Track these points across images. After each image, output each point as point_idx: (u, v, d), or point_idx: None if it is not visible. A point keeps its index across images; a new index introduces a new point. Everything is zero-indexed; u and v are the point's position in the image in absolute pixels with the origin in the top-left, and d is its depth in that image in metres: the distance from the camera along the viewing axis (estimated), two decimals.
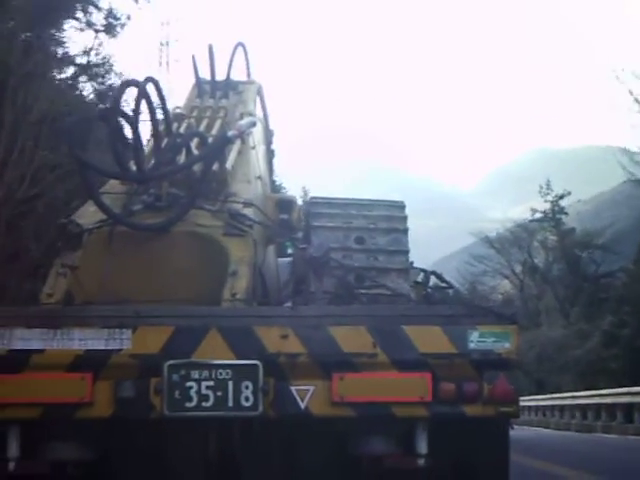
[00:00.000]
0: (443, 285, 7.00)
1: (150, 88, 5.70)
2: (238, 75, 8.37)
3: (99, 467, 4.66)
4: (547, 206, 58.11)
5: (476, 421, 4.57)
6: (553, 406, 35.44)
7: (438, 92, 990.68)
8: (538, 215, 59.06)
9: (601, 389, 28.93)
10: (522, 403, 34.34)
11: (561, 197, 58.12)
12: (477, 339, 4.52)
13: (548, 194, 58.21)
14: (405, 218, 6.62)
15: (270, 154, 8.89)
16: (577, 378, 41.28)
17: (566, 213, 58.03)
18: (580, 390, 31.88)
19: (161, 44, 26.94)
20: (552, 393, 37.76)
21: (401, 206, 6.75)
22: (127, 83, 5.56)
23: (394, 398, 4.47)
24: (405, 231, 6.50)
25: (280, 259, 7.74)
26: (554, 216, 57.45)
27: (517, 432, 18.57)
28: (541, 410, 37.42)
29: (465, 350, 4.50)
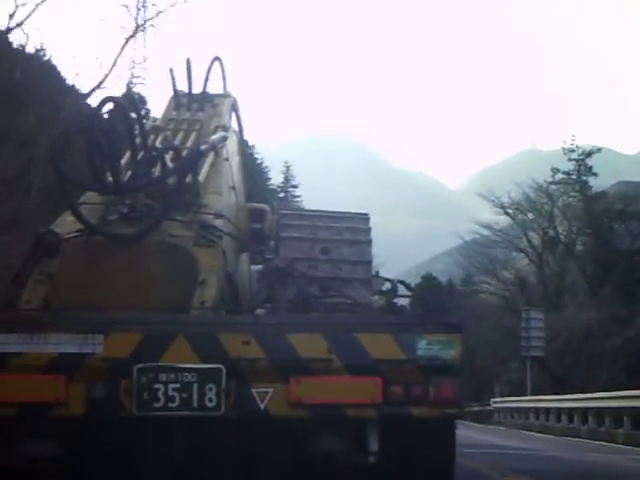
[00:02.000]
0: (409, 294, 7.33)
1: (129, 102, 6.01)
2: (215, 88, 8.70)
3: (70, 463, 4.98)
4: (571, 166, 46.98)
5: (423, 421, 4.94)
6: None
7: (432, 90, 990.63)
8: (560, 176, 46.97)
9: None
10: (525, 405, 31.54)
11: (589, 154, 47.20)
12: (425, 346, 4.88)
13: (573, 150, 47.28)
14: (369, 230, 6.96)
15: (245, 163, 9.19)
16: (617, 374, 33.98)
17: (595, 174, 46.74)
18: (620, 389, 23.32)
19: (137, 8, 27.16)
20: (581, 392, 27.79)
21: (365, 218, 7.09)
22: (106, 99, 5.87)
23: (347, 400, 4.83)
24: (368, 242, 6.83)
25: (254, 266, 8.04)
26: (579, 177, 46.49)
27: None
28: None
29: (413, 356, 4.87)
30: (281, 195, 63.54)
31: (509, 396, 38.22)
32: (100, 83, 22.55)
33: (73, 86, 29.41)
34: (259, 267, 7.81)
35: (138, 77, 42.06)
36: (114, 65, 23.50)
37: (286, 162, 69.78)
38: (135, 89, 40.75)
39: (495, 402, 39.39)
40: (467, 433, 22.41)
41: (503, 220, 47.73)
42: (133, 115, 6.44)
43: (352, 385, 4.84)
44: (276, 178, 65.98)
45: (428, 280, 58.67)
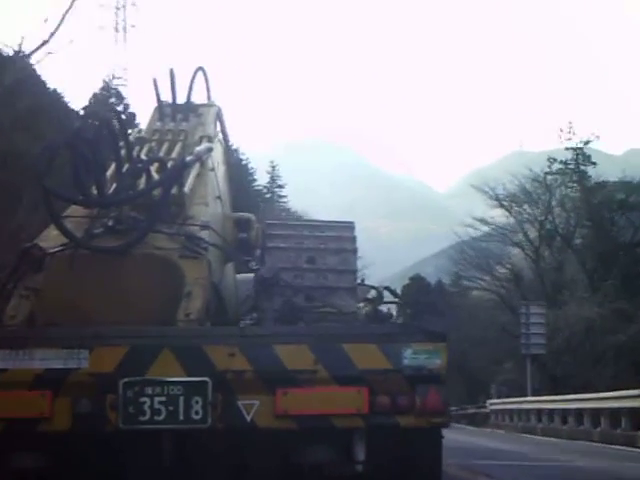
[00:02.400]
0: (395, 300, 7.36)
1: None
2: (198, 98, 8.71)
3: (58, 477, 5.00)
4: (569, 155, 44.43)
5: (410, 430, 4.97)
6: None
7: (418, 94, 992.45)
8: (557, 167, 44.45)
9: None
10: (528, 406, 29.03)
11: (587, 142, 44.96)
12: (410, 356, 4.93)
13: (570, 138, 44.71)
14: (354, 238, 6.97)
15: (231, 172, 9.21)
16: (620, 372, 31.81)
17: (594, 163, 44.62)
18: (624, 388, 21.51)
19: (117, 8, 27.05)
20: (583, 392, 26.50)
21: (350, 227, 7.10)
22: (89, 115, 5.89)
23: (333, 411, 4.86)
24: (354, 251, 6.84)
25: (239, 275, 8.05)
26: (577, 167, 44.24)
27: None
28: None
29: (399, 366, 4.90)
30: (267, 196, 62.75)
31: (507, 397, 35.96)
32: (44, 42, 21.72)
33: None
34: (244, 276, 7.84)
35: (119, 78, 42.75)
36: (61, 22, 22.75)
37: (272, 162, 68.76)
38: (116, 88, 41.56)
39: (492, 404, 36.61)
40: (467, 438, 21.83)
41: (498, 214, 45.16)
42: (117, 127, 6.45)
43: (338, 396, 4.86)
44: (261, 179, 64.91)
45: (416, 281, 57.93)
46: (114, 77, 40.95)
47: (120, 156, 6.31)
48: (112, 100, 43.54)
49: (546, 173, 43.95)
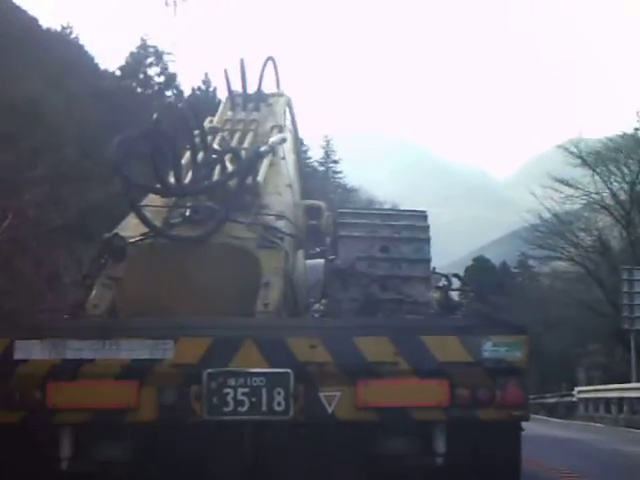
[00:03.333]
0: (465, 288, 7.29)
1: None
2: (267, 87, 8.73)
3: (142, 467, 5.07)
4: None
5: (490, 423, 4.93)
6: None
7: (473, 83, 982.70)
8: None
9: None
10: None
11: None
12: (490, 348, 4.90)
13: None
14: (427, 227, 6.93)
15: (300, 161, 9.22)
16: None
17: None
18: None
19: None
20: None
21: (423, 215, 7.06)
22: (168, 107, 5.92)
23: (414, 403, 4.86)
24: (427, 240, 6.80)
25: (308, 261, 8.07)
26: None
27: None
28: None
29: (479, 359, 4.88)
30: (321, 169, 61.72)
31: (601, 383, 30.98)
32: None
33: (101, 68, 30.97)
34: (313, 262, 7.85)
35: (170, 54, 43.58)
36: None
37: (326, 136, 67.14)
38: (155, 46, 42.49)
39: (581, 392, 31.29)
40: (565, 433, 19.37)
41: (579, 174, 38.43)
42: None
43: (419, 388, 4.86)
44: (316, 154, 63.06)
45: (480, 263, 56.89)
46: (164, 52, 41.81)
47: (195, 145, 6.35)
48: (150, 60, 44.56)
49: (636, 129, 37.92)
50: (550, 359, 38.80)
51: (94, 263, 5.80)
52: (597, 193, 38.33)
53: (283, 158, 7.52)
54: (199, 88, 48.13)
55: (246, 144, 7.43)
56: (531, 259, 45.24)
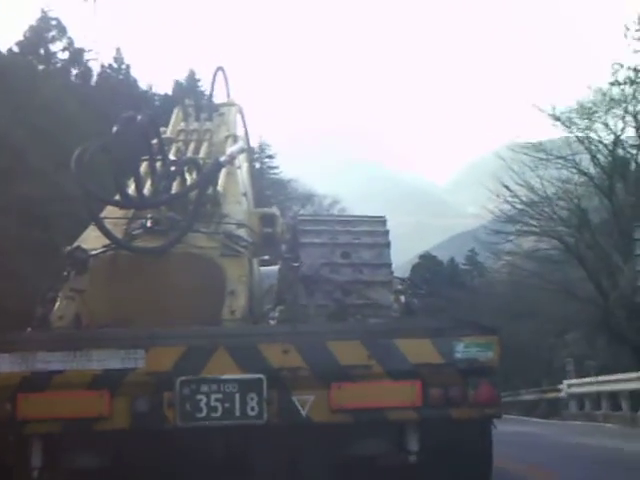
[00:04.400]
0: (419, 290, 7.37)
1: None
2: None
3: (114, 475, 5.04)
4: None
5: (462, 422, 5.00)
6: None
7: (411, 88, 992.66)
8: (626, 74, 30.18)
9: None
10: None
11: None
12: (462, 349, 4.96)
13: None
14: (387, 232, 7.01)
15: (252, 169, 9.28)
16: None
17: None
18: None
19: None
20: None
21: (383, 221, 7.14)
22: (128, 118, 5.89)
23: (387, 404, 4.89)
24: (387, 245, 6.89)
25: (261, 268, 8.09)
26: None
27: None
28: None
29: (452, 360, 4.94)
30: (257, 166, 60.01)
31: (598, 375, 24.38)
32: None
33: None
34: (266, 269, 7.89)
35: (90, 51, 39.42)
36: None
37: (260, 136, 60.58)
38: (57, 18, 38.82)
39: (573, 386, 25.69)
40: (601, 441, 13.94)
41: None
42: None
43: (392, 389, 4.90)
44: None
45: (428, 260, 56.32)
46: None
47: (153, 156, 6.35)
48: (52, 33, 39.36)
49: (611, 83, 31.13)
50: (522, 352, 34.68)
51: (57, 276, 5.75)
52: (574, 155, 32.57)
53: (239, 167, 7.56)
54: (110, 66, 43.02)
55: (201, 154, 7.46)
56: (487, 252, 39.29)
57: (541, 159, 32.96)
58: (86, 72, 40.28)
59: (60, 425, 4.76)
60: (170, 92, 42.45)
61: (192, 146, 7.67)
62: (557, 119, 32.24)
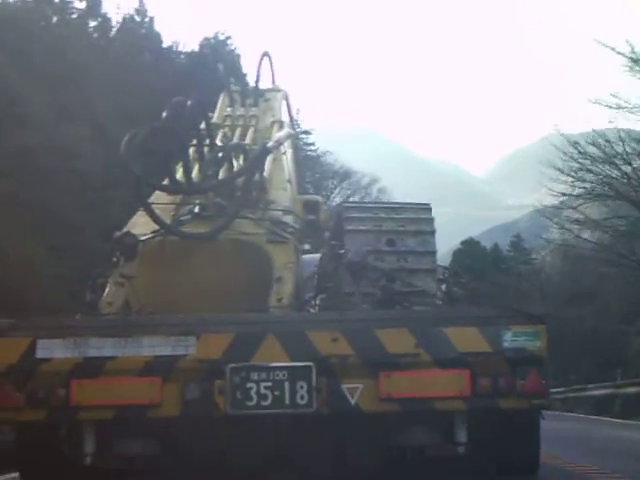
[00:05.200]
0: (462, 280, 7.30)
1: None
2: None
3: (165, 461, 5.09)
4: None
5: (510, 412, 4.95)
6: None
7: (449, 79, 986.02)
8: None
9: None
10: None
11: None
12: (510, 338, 4.92)
13: None
14: (432, 220, 6.96)
15: (297, 156, 9.24)
16: None
17: None
18: None
19: None
20: None
21: (427, 208, 7.08)
22: (177, 104, 5.88)
23: (436, 394, 4.87)
24: (432, 232, 6.84)
25: (304, 256, 8.07)
26: None
27: None
28: None
29: (500, 349, 4.90)
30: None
31: None
32: None
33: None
34: (308, 257, 7.86)
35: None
36: None
37: (297, 109, 61.19)
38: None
39: None
40: None
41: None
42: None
43: (440, 379, 4.87)
44: None
45: (470, 246, 53.97)
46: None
47: (201, 141, 6.34)
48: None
49: None
50: (582, 340, 31.38)
51: (107, 261, 5.78)
52: None
53: (284, 153, 7.54)
54: (131, 18, 38.58)
55: (248, 140, 7.45)
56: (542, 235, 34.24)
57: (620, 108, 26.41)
58: (104, 24, 36.28)
59: (113, 412, 4.79)
60: (197, 49, 40.31)
61: (238, 132, 7.66)
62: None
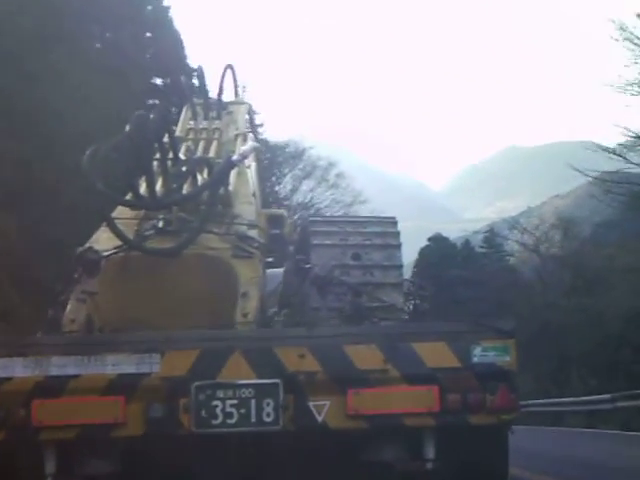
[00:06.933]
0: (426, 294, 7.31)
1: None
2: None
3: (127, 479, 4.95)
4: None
5: (479, 428, 4.90)
6: None
7: (409, 94, 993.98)
8: None
9: None
10: None
11: None
12: (480, 353, 4.87)
13: None
14: (398, 233, 6.95)
15: (260, 169, 9.19)
16: None
17: None
18: None
19: None
20: None
21: (393, 222, 7.07)
22: (141, 117, 5.79)
23: (404, 410, 4.80)
24: (398, 246, 6.82)
25: (269, 270, 8.01)
26: None
27: None
28: None
29: (469, 364, 4.85)
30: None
31: None
32: None
33: None
34: (271, 271, 7.80)
35: None
36: None
37: (250, 105, 57.15)
38: None
39: None
40: None
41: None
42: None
43: (409, 395, 4.81)
44: None
45: (437, 242, 51.18)
46: None
47: (165, 155, 6.25)
48: None
49: None
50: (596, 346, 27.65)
51: (69, 278, 5.66)
52: None
53: (248, 167, 7.48)
54: None
55: (211, 153, 7.38)
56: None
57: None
58: None
59: (75, 432, 4.67)
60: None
61: (201, 145, 7.59)
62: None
